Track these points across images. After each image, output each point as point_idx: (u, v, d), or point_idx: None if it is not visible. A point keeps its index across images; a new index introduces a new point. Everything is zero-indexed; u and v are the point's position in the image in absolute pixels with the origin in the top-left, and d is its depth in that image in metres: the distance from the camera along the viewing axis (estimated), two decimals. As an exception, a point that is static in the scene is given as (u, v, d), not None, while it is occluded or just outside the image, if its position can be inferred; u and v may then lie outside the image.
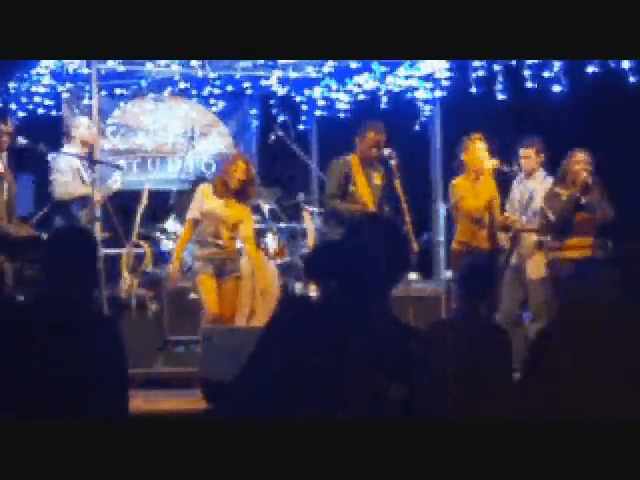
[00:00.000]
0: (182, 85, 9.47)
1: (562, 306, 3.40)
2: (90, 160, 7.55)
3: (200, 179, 8.63)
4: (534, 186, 7.37)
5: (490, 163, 7.20)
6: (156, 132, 10.01)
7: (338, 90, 9.73)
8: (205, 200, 6.74)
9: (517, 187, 7.48)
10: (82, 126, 7.62)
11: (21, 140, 6.87)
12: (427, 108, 9.35)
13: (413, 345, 2.92)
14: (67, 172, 7.37)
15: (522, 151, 7.40)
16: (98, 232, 7.35)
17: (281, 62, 9.13)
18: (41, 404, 3.15)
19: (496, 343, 4.65)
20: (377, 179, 7.27)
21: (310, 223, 8.05)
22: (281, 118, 9.62)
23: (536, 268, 7.24)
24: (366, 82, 9.45)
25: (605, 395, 3.11)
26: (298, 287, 7.75)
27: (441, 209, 8.99)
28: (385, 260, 2.97)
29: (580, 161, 7.08)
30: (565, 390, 3.16)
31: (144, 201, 7.71)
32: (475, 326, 4.65)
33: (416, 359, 2.88)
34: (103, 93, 9.33)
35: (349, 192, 7.17)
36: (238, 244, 6.90)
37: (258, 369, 2.83)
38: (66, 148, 7.65)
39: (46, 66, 8.82)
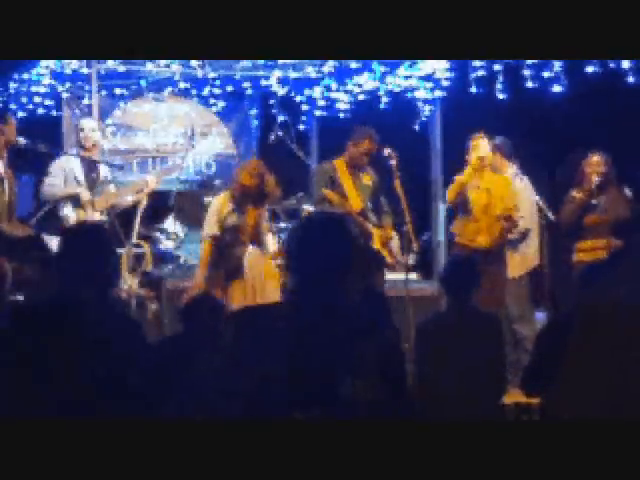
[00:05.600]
0: (182, 85, 9.48)
1: (582, 307, 3.38)
2: (90, 160, 7.53)
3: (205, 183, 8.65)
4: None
5: (485, 154, 7.15)
6: (156, 132, 10.01)
7: (338, 90, 9.73)
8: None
9: None
10: (86, 128, 7.61)
11: (21, 140, 6.86)
12: (427, 108, 9.34)
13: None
14: (56, 174, 7.33)
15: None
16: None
17: (281, 62, 9.13)
18: (50, 404, 3.15)
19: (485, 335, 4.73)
20: (366, 179, 7.20)
21: (310, 223, 8.01)
22: (281, 118, 9.61)
23: (514, 267, 7.21)
24: (366, 82, 9.45)
25: (623, 395, 3.09)
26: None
27: (441, 209, 8.99)
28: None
29: (592, 164, 7.19)
30: (583, 389, 3.13)
31: (144, 201, 7.70)
32: (462, 320, 4.74)
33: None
34: (103, 93, 9.33)
35: None
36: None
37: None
38: (69, 149, 7.65)
39: (46, 66, 8.82)
